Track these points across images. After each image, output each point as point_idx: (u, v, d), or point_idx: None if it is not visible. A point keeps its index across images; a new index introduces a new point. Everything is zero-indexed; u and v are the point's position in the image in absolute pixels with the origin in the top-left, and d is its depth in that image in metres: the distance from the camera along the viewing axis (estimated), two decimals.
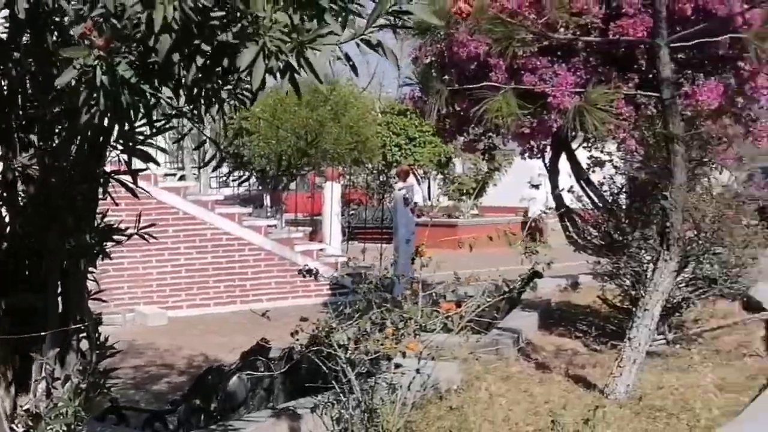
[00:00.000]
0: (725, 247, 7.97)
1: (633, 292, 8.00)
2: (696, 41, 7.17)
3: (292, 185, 18.26)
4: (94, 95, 2.51)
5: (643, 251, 7.88)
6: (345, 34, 2.48)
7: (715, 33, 7.77)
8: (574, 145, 10.20)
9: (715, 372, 7.20)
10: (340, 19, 2.48)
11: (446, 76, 9.96)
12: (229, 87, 2.81)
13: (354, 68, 2.77)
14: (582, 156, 10.00)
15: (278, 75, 2.39)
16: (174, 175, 14.40)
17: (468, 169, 22.23)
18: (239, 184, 16.45)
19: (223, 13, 2.40)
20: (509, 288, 9.02)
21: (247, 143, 14.73)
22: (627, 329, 6.16)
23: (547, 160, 10.62)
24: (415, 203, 13.50)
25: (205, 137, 3.86)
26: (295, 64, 2.33)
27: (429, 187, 24.35)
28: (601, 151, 9.31)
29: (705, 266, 7.93)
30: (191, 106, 2.92)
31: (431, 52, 9.87)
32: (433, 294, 5.98)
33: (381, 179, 22.91)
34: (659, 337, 8.08)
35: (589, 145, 9.97)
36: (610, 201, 8.75)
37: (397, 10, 2.45)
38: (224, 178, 16.85)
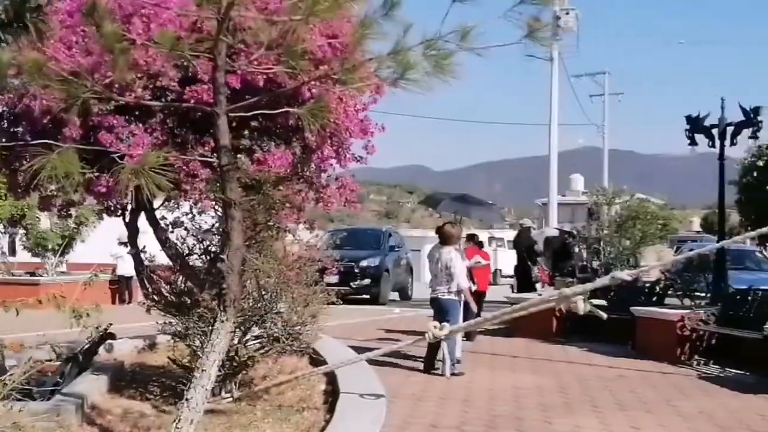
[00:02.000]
0: (287, 305, 8.42)
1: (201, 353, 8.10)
2: (259, 111, 7.56)
3: None
4: None
5: (211, 312, 8.04)
6: None
7: (285, 104, 8.28)
8: (156, 204, 10.18)
9: (274, 427, 7.53)
10: None
11: (19, 128, 9.51)
12: None
13: None
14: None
15: None
16: None
17: (54, 224, 21.14)
18: None
19: None
20: (76, 351, 8.69)
21: None
22: (185, 390, 6.21)
23: (128, 219, 10.51)
24: None
25: None
26: None
27: (13, 243, 22.78)
28: (174, 212, 9.41)
29: (269, 325, 8.32)
30: None
31: (2, 101, 9.39)
32: None
33: None
34: (226, 395, 8.29)
35: (169, 204, 10.02)
36: (180, 262, 8.85)
37: None
38: None
